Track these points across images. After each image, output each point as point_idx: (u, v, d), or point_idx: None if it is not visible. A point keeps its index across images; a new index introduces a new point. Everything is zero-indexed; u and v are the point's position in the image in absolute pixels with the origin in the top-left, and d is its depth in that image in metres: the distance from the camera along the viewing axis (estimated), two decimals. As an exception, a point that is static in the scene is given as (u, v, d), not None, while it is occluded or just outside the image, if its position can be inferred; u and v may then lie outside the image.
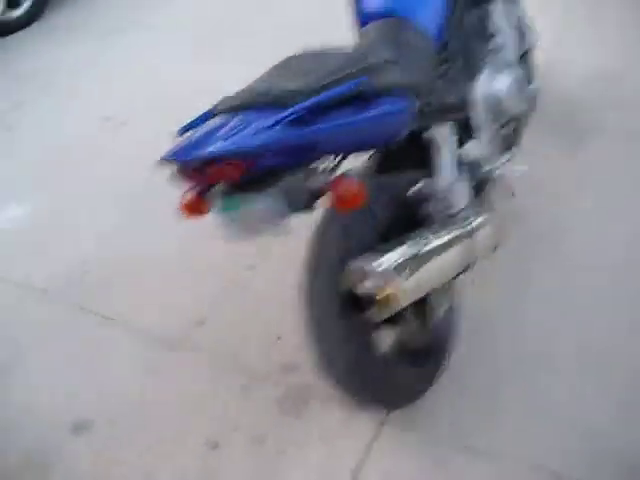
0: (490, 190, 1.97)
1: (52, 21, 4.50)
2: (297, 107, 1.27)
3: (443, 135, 1.70)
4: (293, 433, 1.80)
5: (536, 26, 2.58)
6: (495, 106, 1.96)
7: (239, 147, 1.19)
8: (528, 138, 2.51)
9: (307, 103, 1.27)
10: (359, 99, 1.37)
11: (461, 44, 1.86)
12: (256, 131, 1.23)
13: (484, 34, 2.02)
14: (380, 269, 1.36)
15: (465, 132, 1.88)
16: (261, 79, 1.43)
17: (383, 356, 1.64)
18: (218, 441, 1.81)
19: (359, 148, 1.45)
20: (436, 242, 1.49)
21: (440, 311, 1.69)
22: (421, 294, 1.50)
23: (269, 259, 1.43)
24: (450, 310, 1.76)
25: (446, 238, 1.53)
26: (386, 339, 1.70)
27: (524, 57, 2.34)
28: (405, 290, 1.39)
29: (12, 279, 2.43)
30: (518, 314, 2.01)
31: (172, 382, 1.99)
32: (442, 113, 1.71)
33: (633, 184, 2.38)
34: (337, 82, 1.34)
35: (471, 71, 1.90)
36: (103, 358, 2.09)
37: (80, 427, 1.88)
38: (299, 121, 1.26)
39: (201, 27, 3.87)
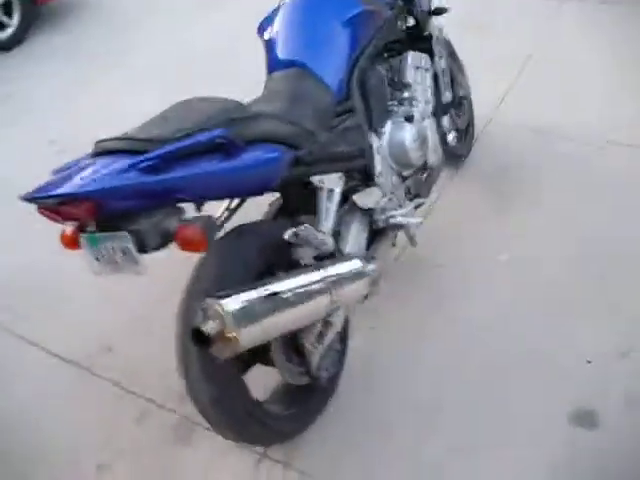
0: (389, 237, 2.04)
1: (34, 46, 4.64)
2: (150, 154, 1.35)
3: (329, 182, 1.77)
4: (180, 461, 1.86)
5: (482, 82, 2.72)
6: (395, 157, 2.04)
7: (85, 190, 1.27)
8: (455, 189, 2.62)
9: (161, 151, 1.36)
10: (222, 150, 1.45)
11: (363, 96, 1.94)
12: (107, 175, 1.31)
13: (393, 86, 2.10)
14: (221, 310, 1.38)
15: (365, 180, 1.96)
16: (141, 125, 1.51)
17: (250, 395, 1.66)
18: (110, 464, 1.88)
19: (224, 195, 1.54)
20: (291, 287, 1.52)
21: (317, 354, 1.74)
22: (269, 338, 1.53)
23: (178, 293, 1.51)
24: (335, 353, 1.81)
25: (304, 283, 1.56)
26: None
27: (447, 109, 2.43)
28: (245, 334, 1.40)
29: None
30: (411, 363, 2.06)
31: (74, 405, 2.06)
32: (331, 162, 1.78)
33: (548, 243, 2.41)
34: (198, 132, 1.43)
35: (374, 122, 1.99)
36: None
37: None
38: (153, 168, 1.34)
39: (179, 68, 3.92)
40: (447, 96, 2.36)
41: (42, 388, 2.12)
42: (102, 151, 1.41)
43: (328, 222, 1.75)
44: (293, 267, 1.67)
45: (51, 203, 1.29)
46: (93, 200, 1.29)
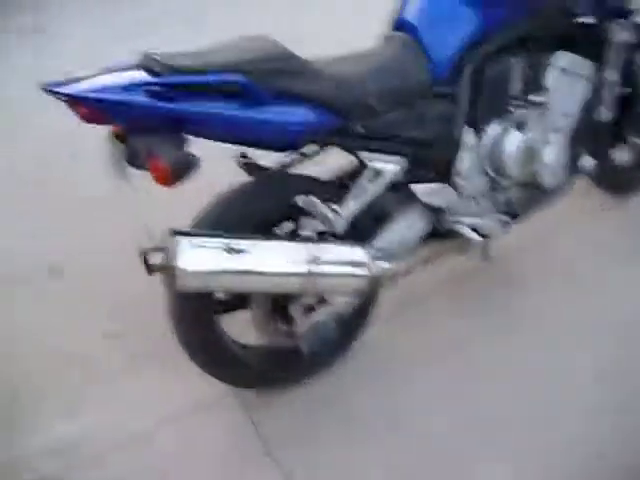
0: (451, 243, 1.86)
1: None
2: (160, 80, 1.36)
3: (380, 163, 1.64)
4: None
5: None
6: (493, 162, 1.81)
7: (81, 95, 1.32)
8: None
9: (171, 79, 1.36)
10: (244, 96, 1.42)
11: (476, 85, 1.73)
12: (112, 88, 1.34)
13: (526, 85, 1.83)
14: (171, 245, 1.41)
15: (440, 175, 1.79)
16: (183, 52, 1.49)
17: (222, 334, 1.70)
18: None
19: (235, 142, 1.51)
20: (258, 251, 1.48)
21: (302, 325, 1.70)
22: (219, 289, 1.54)
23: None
24: (329, 331, 1.75)
25: (276, 253, 1.51)
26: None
27: (599, 131, 2.07)
28: (188, 275, 1.41)
29: None
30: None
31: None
32: (392, 143, 1.65)
33: None
34: (221, 71, 1.40)
35: (478, 117, 1.77)
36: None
37: None
38: (159, 93, 1.35)
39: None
40: (604, 115, 1.99)
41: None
42: (139, 64, 1.46)
43: (355, 202, 1.64)
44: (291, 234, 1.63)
45: (61, 99, 1.38)
46: (88, 106, 1.35)
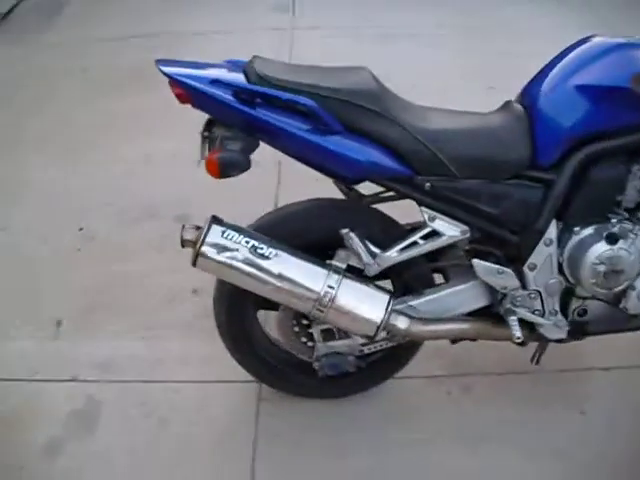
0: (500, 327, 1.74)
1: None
2: (247, 85, 1.47)
3: (439, 225, 1.60)
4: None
5: None
6: (571, 266, 1.66)
7: (174, 76, 1.46)
8: None
9: (254, 88, 1.46)
10: (316, 121, 1.48)
11: (577, 182, 1.59)
12: (208, 79, 1.47)
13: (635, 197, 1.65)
14: (205, 228, 1.53)
15: (508, 258, 1.69)
16: (292, 65, 1.62)
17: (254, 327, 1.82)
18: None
19: (298, 159, 1.58)
20: (281, 261, 1.55)
21: (318, 346, 1.75)
22: (231, 281, 1.61)
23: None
24: (344, 362, 1.76)
25: (298, 269, 1.57)
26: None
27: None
28: (205, 261, 1.53)
29: None
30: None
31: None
32: (459, 210, 1.60)
33: None
34: (302, 92, 1.47)
35: (569, 214, 1.63)
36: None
37: None
38: (240, 96, 1.46)
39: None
40: None
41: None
42: (244, 68, 1.54)
43: (400, 253, 1.61)
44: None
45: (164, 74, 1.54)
46: (181, 88, 1.48)
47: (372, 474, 1.81)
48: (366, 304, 1.60)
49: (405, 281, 1.75)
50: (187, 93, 1.50)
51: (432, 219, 1.61)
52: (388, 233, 1.68)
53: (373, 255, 1.62)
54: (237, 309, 1.78)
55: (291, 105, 1.48)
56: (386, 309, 1.60)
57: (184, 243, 1.58)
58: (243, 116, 1.49)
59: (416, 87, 2.46)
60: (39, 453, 1.85)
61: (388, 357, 1.87)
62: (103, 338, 2.19)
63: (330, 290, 1.57)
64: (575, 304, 1.75)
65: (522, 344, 1.81)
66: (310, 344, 1.80)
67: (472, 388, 2.00)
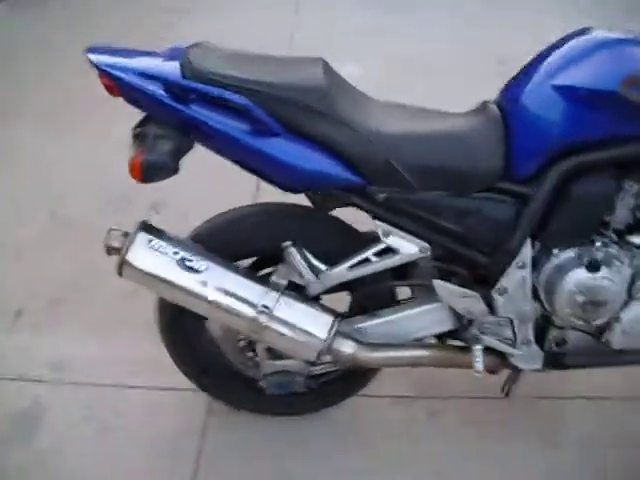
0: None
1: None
2: (182, 82, 1.31)
3: (395, 241, 1.42)
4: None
5: None
6: (546, 291, 1.46)
7: (101, 67, 1.31)
8: None
9: (190, 84, 1.30)
10: (253, 120, 1.31)
11: (559, 198, 1.39)
12: (137, 70, 1.31)
13: (627, 218, 1.43)
14: (132, 236, 1.40)
15: (473, 279, 1.50)
16: (237, 53, 1.43)
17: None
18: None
19: (235, 162, 1.41)
20: (211, 275, 1.40)
21: (263, 363, 1.59)
22: (157, 293, 1.49)
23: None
24: (292, 382, 1.60)
25: (232, 284, 1.41)
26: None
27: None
28: (130, 271, 1.39)
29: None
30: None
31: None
32: (421, 226, 1.41)
33: None
34: (240, 88, 1.30)
35: (548, 236, 1.43)
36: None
37: None
38: (174, 92, 1.30)
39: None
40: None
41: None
42: (181, 58, 1.36)
43: (350, 271, 1.45)
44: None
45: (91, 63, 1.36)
46: (110, 80, 1.33)
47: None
48: (306, 327, 1.44)
49: (361, 298, 1.59)
50: (116, 86, 1.34)
51: (386, 234, 1.43)
52: (344, 245, 1.50)
53: (316, 272, 1.45)
54: (179, 318, 1.62)
55: (225, 103, 1.31)
56: (328, 332, 1.44)
57: (109, 250, 1.43)
58: (175, 113, 1.33)
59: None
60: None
61: (343, 377, 1.71)
62: (62, 334, 2.08)
63: (265, 310, 1.41)
64: (553, 333, 1.55)
65: (492, 372, 1.64)
66: (257, 359, 1.64)
67: (439, 413, 1.84)
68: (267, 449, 1.77)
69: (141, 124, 1.40)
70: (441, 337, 1.60)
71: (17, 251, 2.39)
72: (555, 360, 1.57)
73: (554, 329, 1.54)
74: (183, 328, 1.63)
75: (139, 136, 1.39)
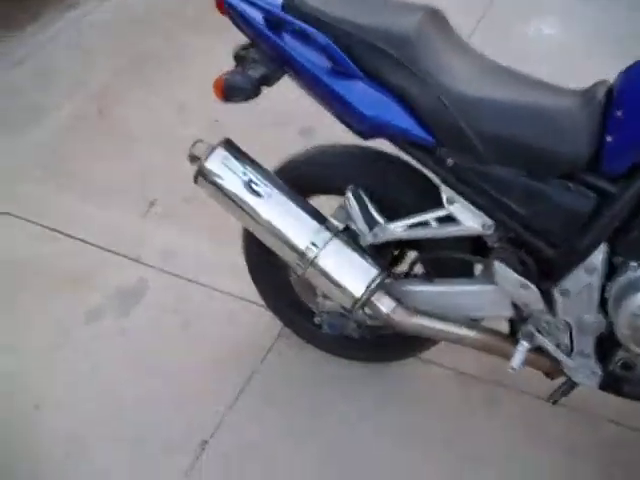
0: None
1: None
2: (277, 11, 1.33)
3: (460, 211, 1.34)
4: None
5: None
6: (619, 309, 1.27)
7: None
8: None
9: (287, 17, 1.31)
10: (333, 60, 1.30)
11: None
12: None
13: None
14: (214, 148, 1.45)
15: (537, 272, 1.36)
16: None
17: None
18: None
19: (325, 106, 1.40)
20: (274, 203, 1.44)
21: (319, 303, 1.62)
22: (224, 207, 1.50)
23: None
24: (344, 323, 1.62)
25: (290, 216, 1.44)
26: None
27: None
28: (209, 171, 1.45)
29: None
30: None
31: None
32: (486, 200, 1.31)
33: None
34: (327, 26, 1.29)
35: (627, 240, 1.25)
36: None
37: None
38: (271, 22, 1.33)
39: None
40: None
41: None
42: None
43: (408, 231, 1.40)
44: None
45: None
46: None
47: (338, 449, 1.70)
48: (349, 274, 1.43)
49: (426, 262, 1.53)
50: (224, 5, 1.40)
51: (451, 202, 1.35)
52: (416, 200, 1.45)
53: (372, 224, 1.43)
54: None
55: (311, 39, 1.31)
56: (368, 285, 1.42)
57: (192, 159, 1.52)
58: (269, 42, 1.36)
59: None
60: (81, 316, 2.01)
61: (401, 336, 1.67)
62: (183, 229, 2.26)
63: (313, 248, 1.43)
64: (621, 353, 1.38)
65: (549, 376, 1.52)
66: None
67: (497, 402, 1.74)
68: (315, 388, 1.82)
69: (246, 48, 1.45)
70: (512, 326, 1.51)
71: (172, 148, 2.59)
72: (616, 384, 1.41)
73: (623, 349, 1.37)
74: (259, 248, 1.71)
75: (239, 58, 1.44)
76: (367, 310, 1.50)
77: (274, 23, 1.34)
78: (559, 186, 1.26)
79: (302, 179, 1.54)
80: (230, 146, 1.50)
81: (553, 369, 1.47)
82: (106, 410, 1.79)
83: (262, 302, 1.90)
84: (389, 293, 1.46)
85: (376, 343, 1.71)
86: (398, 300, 1.46)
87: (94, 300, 2.05)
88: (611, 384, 1.41)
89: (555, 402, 1.51)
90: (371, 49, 1.29)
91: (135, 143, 2.62)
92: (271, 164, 1.55)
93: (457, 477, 1.63)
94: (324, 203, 1.55)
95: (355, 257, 1.44)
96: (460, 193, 1.34)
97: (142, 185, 2.44)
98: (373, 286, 1.42)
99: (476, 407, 1.74)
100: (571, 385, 1.48)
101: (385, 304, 1.45)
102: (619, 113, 1.21)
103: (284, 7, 1.35)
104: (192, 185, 2.16)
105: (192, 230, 2.26)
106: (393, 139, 1.36)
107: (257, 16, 1.35)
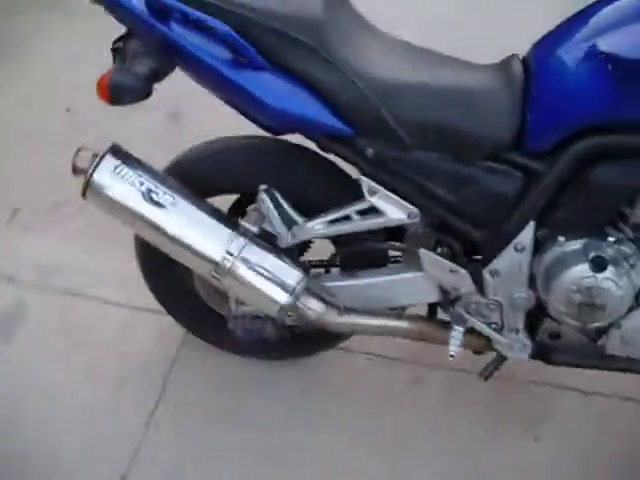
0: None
1: None
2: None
3: (381, 200, 1.25)
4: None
5: None
6: (546, 279, 1.28)
7: None
8: None
9: (175, 3, 1.14)
10: (235, 50, 1.16)
11: (573, 181, 1.19)
12: None
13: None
14: (100, 157, 1.27)
15: (461, 253, 1.33)
16: None
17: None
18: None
19: (225, 101, 1.27)
20: (177, 212, 1.28)
21: (235, 305, 1.49)
22: (118, 218, 1.33)
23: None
24: (258, 326, 1.50)
25: (201, 222, 1.30)
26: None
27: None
28: (92, 193, 1.27)
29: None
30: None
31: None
32: (411, 187, 1.24)
33: None
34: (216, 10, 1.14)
35: (555, 221, 1.25)
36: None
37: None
38: (155, 9, 1.16)
39: None
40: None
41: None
42: None
43: (328, 227, 1.31)
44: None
45: None
46: None
47: (266, 452, 1.61)
48: (271, 279, 1.31)
49: (343, 255, 1.46)
50: None
51: (372, 193, 1.27)
52: (331, 194, 1.36)
53: (290, 223, 1.32)
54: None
55: (206, 27, 1.16)
56: (293, 290, 1.32)
57: (75, 170, 1.32)
58: (154, 31, 1.18)
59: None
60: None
61: (321, 330, 1.60)
62: (54, 238, 2.03)
63: (228, 257, 1.30)
64: (547, 324, 1.40)
65: (477, 353, 1.51)
66: (225, 300, 1.53)
67: (422, 382, 1.72)
68: (233, 388, 1.71)
69: (122, 38, 1.26)
70: (431, 307, 1.48)
71: (28, 147, 2.31)
72: (544, 353, 1.43)
73: (549, 320, 1.38)
74: (157, 254, 1.54)
75: (117, 51, 1.26)
76: (292, 314, 1.41)
77: (159, 10, 1.17)
78: (484, 168, 1.23)
79: (196, 180, 1.38)
80: (119, 152, 1.31)
81: (483, 346, 1.46)
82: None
83: (158, 309, 1.72)
84: (314, 294, 1.37)
85: (293, 339, 1.62)
86: (323, 299, 1.38)
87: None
88: (540, 354, 1.43)
89: (487, 378, 1.51)
90: (276, 36, 1.16)
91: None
92: (147, 157, 1.36)
93: (392, 464, 1.60)
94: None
95: (275, 261, 1.32)
96: (382, 183, 1.26)
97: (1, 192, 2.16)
98: (298, 290, 1.32)
99: (402, 389, 1.71)
100: (501, 359, 1.49)
101: (313, 306, 1.36)
102: (538, 91, 1.19)
103: None
104: (60, 188, 1.93)
105: (67, 238, 2.03)
106: (307, 132, 1.26)
107: (138, 3, 1.17)
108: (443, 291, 1.39)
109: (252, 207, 1.36)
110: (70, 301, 1.87)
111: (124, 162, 1.29)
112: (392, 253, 1.49)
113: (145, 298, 1.70)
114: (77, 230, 2.04)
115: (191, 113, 2.35)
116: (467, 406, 1.68)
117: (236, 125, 1.34)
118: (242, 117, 1.30)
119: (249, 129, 1.33)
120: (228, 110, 1.30)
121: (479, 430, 1.64)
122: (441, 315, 1.47)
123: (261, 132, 1.33)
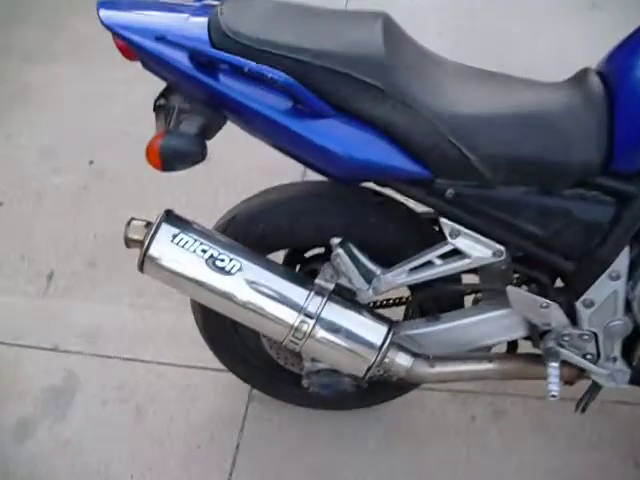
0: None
1: None
2: (206, 48, 1.07)
3: (463, 242, 1.17)
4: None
5: None
6: (638, 308, 1.21)
7: (113, 26, 1.09)
8: None
9: (221, 56, 1.05)
10: (296, 99, 1.07)
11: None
12: (157, 36, 1.09)
13: None
14: (154, 230, 1.18)
15: (552, 290, 1.25)
16: (294, 13, 1.17)
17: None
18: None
19: (284, 152, 1.18)
20: (247, 276, 1.19)
21: (307, 364, 1.41)
22: (182, 291, 1.27)
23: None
24: (333, 381, 1.42)
25: (278, 289, 1.21)
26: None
27: None
28: (158, 256, 1.19)
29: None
30: None
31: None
32: (495, 226, 1.16)
33: None
34: (273, 58, 1.06)
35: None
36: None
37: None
38: (202, 63, 1.07)
39: None
40: None
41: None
42: (210, 17, 1.12)
43: (408, 275, 1.22)
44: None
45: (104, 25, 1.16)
46: (123, 41, 1.12)
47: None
48: (354, 339, 1.23)
49: (421, 301, 1.38)
50: (131, 49, 1.11)
51: (454, 235, 1.19)
52: (406, 239, 1.28)
53: (369, 277, 1.24)
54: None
55: (261, 77, 1.07)
56: (380, 347, 1.23)
57: (129, 243, 1.24)
58: (201, 86, 1.10)
59: None
60: (7, 436, 1.66)
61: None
62: (95, 300, 1.94)
63: (307, 319, 1.21)
64: None
65: (569, 383, 1.43)
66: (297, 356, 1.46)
67: (504, 413, 1.64)
68: (309, 444, 1.63)
69: (164, 94, 1.18)
70: (513, 343, 1.39)
71: (49, 203, 2.22)
72: None
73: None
74: (220, 316, 1.46)
75: (162, 109, 1.17)
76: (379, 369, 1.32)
77: (204, 63, 1.08)
78: (573, 197, 1.14)
79: (256, 236, 1.29)
80: (174, 218, 1.23)
81: (576, 377, 1.38)
82: None
83: (218, 365, 1.65)
84: (400, 347, 1.29)
85: (371, 388, 1.54)
86: (411, 351, 1.30)
87: (17, 411, 1.70)
88: (638, 379, 1.35)
89: (584, 410, 1.42)
90: (340, 80, 1.07)
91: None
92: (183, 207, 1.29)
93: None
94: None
95: (357, 318, 1.24)
96: (463, 223, 1.18)
97: (29, 257, 2.06)
98: (386, 346, 1.24)
99: (485, 423, 1.63)
100: (596, 388, 1.40)
101: (401, 361, 1.28)
102: (619, 107, 1.11)
103: (214, 43, 1.09)
104: (93, 246, 1.84)
105: (108, 299, 1.94)
106: (380, 179, 1.17)
107: (181, 57, 1.08)
108: (532, 325, 1.31)
109: (326, 264, 1.26)
110: (123, 366, 1.78)
111: (181, 229, 1.21)
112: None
113: (201, 354, 1.62)
114: (116, 289, 1.95)
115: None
116: (556, 433, 1.60)
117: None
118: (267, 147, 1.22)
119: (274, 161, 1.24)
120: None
121: (574, 458, 1.56)
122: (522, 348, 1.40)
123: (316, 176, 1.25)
